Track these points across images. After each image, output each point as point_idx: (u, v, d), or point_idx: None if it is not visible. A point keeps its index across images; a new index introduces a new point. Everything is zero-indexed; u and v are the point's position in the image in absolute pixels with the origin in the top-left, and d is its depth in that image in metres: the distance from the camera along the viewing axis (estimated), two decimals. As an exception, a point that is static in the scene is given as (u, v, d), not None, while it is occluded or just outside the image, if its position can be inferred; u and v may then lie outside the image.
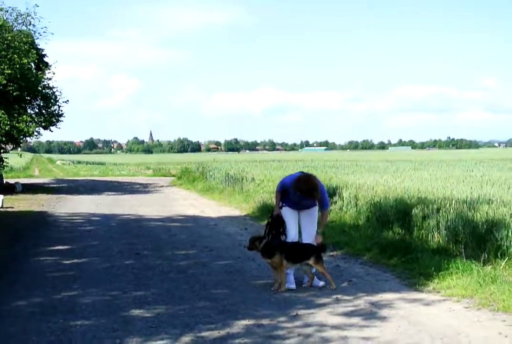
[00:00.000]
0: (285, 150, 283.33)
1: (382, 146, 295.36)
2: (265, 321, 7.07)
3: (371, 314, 7.37)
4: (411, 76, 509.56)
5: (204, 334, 6.61)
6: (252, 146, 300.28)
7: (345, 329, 6.74)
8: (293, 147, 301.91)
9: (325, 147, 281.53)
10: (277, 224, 9.17)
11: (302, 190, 8.74)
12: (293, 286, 8.82)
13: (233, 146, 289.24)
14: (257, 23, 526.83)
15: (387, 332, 6.63)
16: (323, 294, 8.42)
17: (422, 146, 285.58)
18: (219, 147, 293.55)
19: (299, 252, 8.79)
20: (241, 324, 6.99)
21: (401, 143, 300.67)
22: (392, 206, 13.32)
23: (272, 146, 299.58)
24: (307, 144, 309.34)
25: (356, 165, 36.13)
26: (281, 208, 9.22)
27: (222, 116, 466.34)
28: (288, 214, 9.17)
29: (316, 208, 9.19)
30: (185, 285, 9.06)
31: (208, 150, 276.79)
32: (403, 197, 14.02)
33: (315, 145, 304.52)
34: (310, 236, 9.08)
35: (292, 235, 9.10)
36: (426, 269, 9.41)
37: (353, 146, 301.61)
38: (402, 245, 11.05)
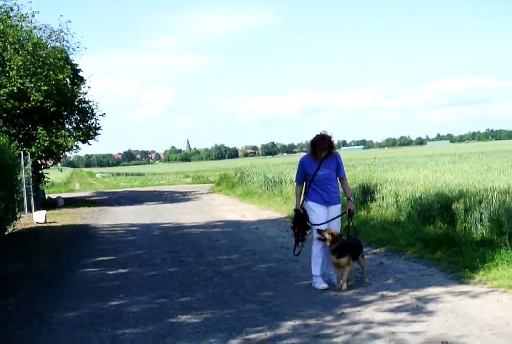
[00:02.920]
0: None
1: (420, 142, 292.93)
2: (311, 321, 7.07)
3: (417, 309, 7.32)
4: (445, 69, 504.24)
5: (251, 336, 6.63)
6: (289, 149, 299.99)
7: (393, 325, 6.70)
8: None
9: (362, 146, 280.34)
10: (301, 219, 9.09)
11: (320, 149, 8.78)
12: (326, 285, 8.80)
13: (270, 150, 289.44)
14: (284, 24, 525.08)
15: (434, 326, 6.58)
16: (368, 292, 8.38)
17: (461, 139, 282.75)
18: (256, 152, 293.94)
19: (355, 249, 8.84)
20: (288, 325, 6.99)
21: (439, 137, 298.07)
22: (433, 201, 13.18)
23: (309, 148, 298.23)
24: (344, 143, 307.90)
25: (394, 162, 35.95)
26: (303, 203, 9.14)
27: (258, 120, 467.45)
28: (316, 209, 8.99)
29: (340, 206, 9.09)
30: (230, 289, 9.09)
31: (246, 155, 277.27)
32: (443, 191, 13.88)
33: (352, 144, 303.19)
34: None
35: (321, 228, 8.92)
36: (471, 261, 9.32)
37: (391, 143, 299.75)
38: (445, 239, 10.96)
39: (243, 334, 6.72)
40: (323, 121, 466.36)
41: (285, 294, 8.59)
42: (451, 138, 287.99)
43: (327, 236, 8.68)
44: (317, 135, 8.93)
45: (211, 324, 7.20)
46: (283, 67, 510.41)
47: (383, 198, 16.01)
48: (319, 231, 8.78)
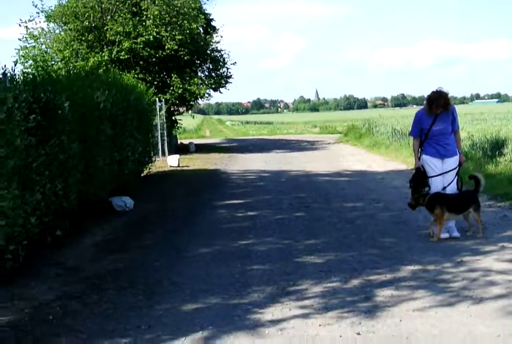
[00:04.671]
0: (454, 103, 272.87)
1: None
2: (430, 267, 7.35)
3: (537, 261, 7.46)
4: None
5: (371, 277, 7.00)
6: (419, 101, 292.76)
7: (510, 274, 6.89)
8: (462, 101, 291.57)
9: (497, 100, 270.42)
10: (420, 177, 9.26)
11: (437, 106, 8.88)
12: (457, 234, 8.99)
13: (400, 102, 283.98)
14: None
15: (553, 277, 6.72)
16: (489, 242, 8.52)
17: None
18: (385, 103, 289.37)
19: (461, 203, 8.96)
20: (407, 269, 7.31)
21: None
22: None
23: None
24: (477, 96, 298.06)
25: (529, 116, 34.87)
26: (419, 158, 9.33)
27: (388, 71, 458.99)
28: (430, 163, 9.17)
29: (457, 157, 9.17)
30: (353, 234, 9.46)
31: (375, 106, 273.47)
32: None
33: (486, 97, 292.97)
34: (452, 188, 9.15)
35: (437, 185, 9.14)
36: None
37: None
38: None
39: (364, 275, 7.10)
40: (456, 73, 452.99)
41: (407, 241, 8.87)
42: None
43: (414, 203, 9.27)
44: (433, 92, 9.02)
45: (334, 265, 7.63)
46: (415, 16, 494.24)
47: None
48: (409, 204, 9.43)
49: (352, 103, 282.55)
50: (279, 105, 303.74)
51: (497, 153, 16.63)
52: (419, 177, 9.27)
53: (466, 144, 18.96)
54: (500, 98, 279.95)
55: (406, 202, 11.95)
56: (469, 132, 20.79)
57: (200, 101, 33.32)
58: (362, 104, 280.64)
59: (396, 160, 21.27)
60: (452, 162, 9.16)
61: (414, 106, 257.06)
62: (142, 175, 17.25)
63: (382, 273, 7.17)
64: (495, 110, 69.51)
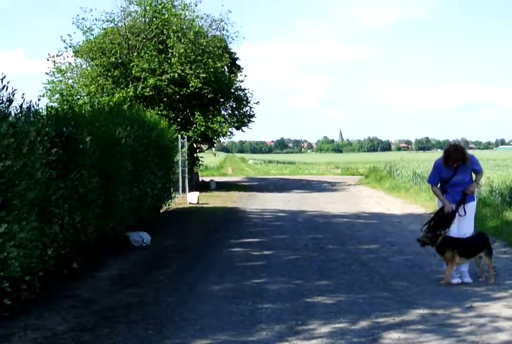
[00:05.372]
0: (478, 148, 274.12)
1: None
2: (439, 311, 7.39)
3: (547, 308, 7.48)
4: None
5: (380, 320, 7.05)
6: (443, 145, 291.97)
7: (518, 321, 6.92)
8: (487, 146, 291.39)
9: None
10: (446, 218, 9.23)
11: (453, 160, 8.94)
12: (469, 279, 9.02)
13: (424, 145, 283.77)
14: (454, 14, 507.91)
15: (561, 326, 6.74)
16: (501, 289, 8.55)
17: None
18: (409, 146, 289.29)
19: (472, 247, 9.00)
20: (416, 313, 7.35)
21: None
22: None
23: (465, 145, 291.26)
24: (502, 142, 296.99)
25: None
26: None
27: (413, 114, 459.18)
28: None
29: (474, 203, 9.29)
30: (366, 277, 9.52)
31: (398, 149, 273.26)
32: None
33: (511, 143, 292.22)
34: (467, 232, 9.20)
35: (454, 229, 9.22)
36: None
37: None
38: None
39: (373, 317, 7.15)
40: (482, 117, 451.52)
41: (418, 285, 8.91)
42: None
43: (425, 240, 9.18)
44: (450, 145, 9.24)
45: (344, 306, 7.69)
46: (441, 57, 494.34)
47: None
48: (419, 239, 9.33)
49: (376, 145, 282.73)
50: (302, 145, 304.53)
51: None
52: (445, 217, 9.28)
53: (485, 190, 18.99)
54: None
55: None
56: (489, 177, 20.81)
57: (222, 139, 33.63)
58: (386, 146, 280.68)
59: (415, 203, 21.31)
60: (468, 207, 9.24)
61: (439, 150, 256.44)
62: (161, 211, 17.44)
63: (391, 315, 7.22)
64: (519, 156, 69.30)
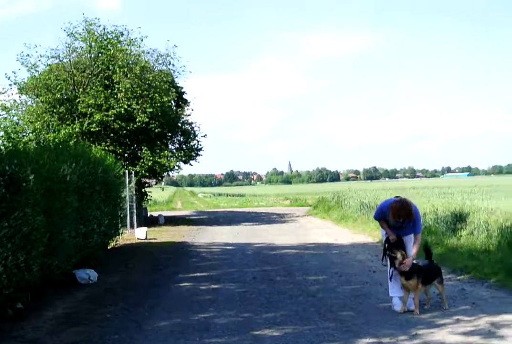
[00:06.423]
0: (425, 177, 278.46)
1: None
2: (385, 340, 7.48)
3: (490, 334, 7.61)
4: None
5: (326, 351, 7.11)
6: (391, 174, 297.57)
7: (462, 347, 7.04)
8: (434, 174, 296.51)
9: (467, 173, 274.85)
10: (398, 243, 9.38)
11: (399, 216, 9.09)
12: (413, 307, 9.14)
13: (372, 174, 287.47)
14: (398, 47, 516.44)
15: (503, 350, 6.88)
16: (445, 315, 8.68)
17: None
18: (357, 176, 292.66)
19: (430, 274, 9.16)
20: (363, 342, 7.44)
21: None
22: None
23: (412, 173, 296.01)
24: (448, 170, 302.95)
25: (495, 191, 35.55)
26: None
27: (360, 144, 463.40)
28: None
29: (412, 236, 9.47)
30: (313, 307, 9.57)
31: (347, 179, 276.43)
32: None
33: (457, 171, 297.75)
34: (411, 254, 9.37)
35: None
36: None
37: (497, 170, 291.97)
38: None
39: (319, 348, 7.20)
40: (429, 146, 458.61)
41: (365, 315, 8.99)
42: None
43: (398, 255, 9.16)
44: (396, 202, 9.24)
45: (291, 338, 7.72)
46: (386, 90, 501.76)
47: (474, 226, 16.15)
48: (390, 248, 9.30)
49: (325, 176, 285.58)
50: (252, 177, 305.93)
51: (460, 226, 16.92)
52: (395, 243, 9.38)
53: (430, 217, 19.29)
54: (471, 171, 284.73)
55: (368, 275, 12.25)
56: (433, 205, 21.14)
57: (171, 173, 33.57)
58: (334, 177, 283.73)
59: (363, 233, 21.54)
60: (408, 239, 9.44)
61: (387, 179, 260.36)
62: (108, 247, 17.28)
63: (337, 346, 7.28)
64: (464, 184, 70.67)
